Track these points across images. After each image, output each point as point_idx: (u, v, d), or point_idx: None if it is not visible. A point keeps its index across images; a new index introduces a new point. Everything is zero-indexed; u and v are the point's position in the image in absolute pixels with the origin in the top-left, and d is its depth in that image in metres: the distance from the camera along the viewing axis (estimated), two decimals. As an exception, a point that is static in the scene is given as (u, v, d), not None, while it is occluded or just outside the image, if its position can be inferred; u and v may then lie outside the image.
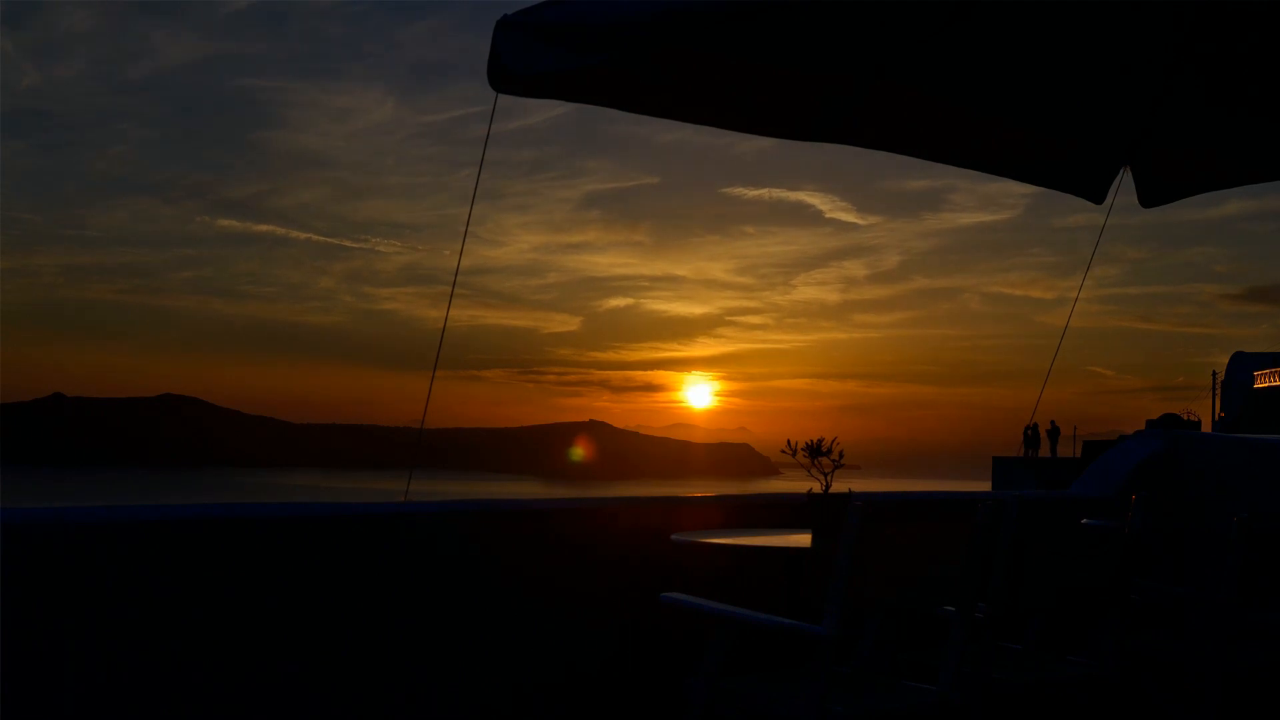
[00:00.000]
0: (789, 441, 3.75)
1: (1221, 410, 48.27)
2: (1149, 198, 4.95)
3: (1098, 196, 4.95)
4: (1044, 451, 43.72)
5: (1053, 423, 45.08)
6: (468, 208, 3.65)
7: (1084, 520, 5.06)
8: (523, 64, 3.19)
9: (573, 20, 3.13)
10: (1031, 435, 42.44)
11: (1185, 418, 41.71)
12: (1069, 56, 4.30)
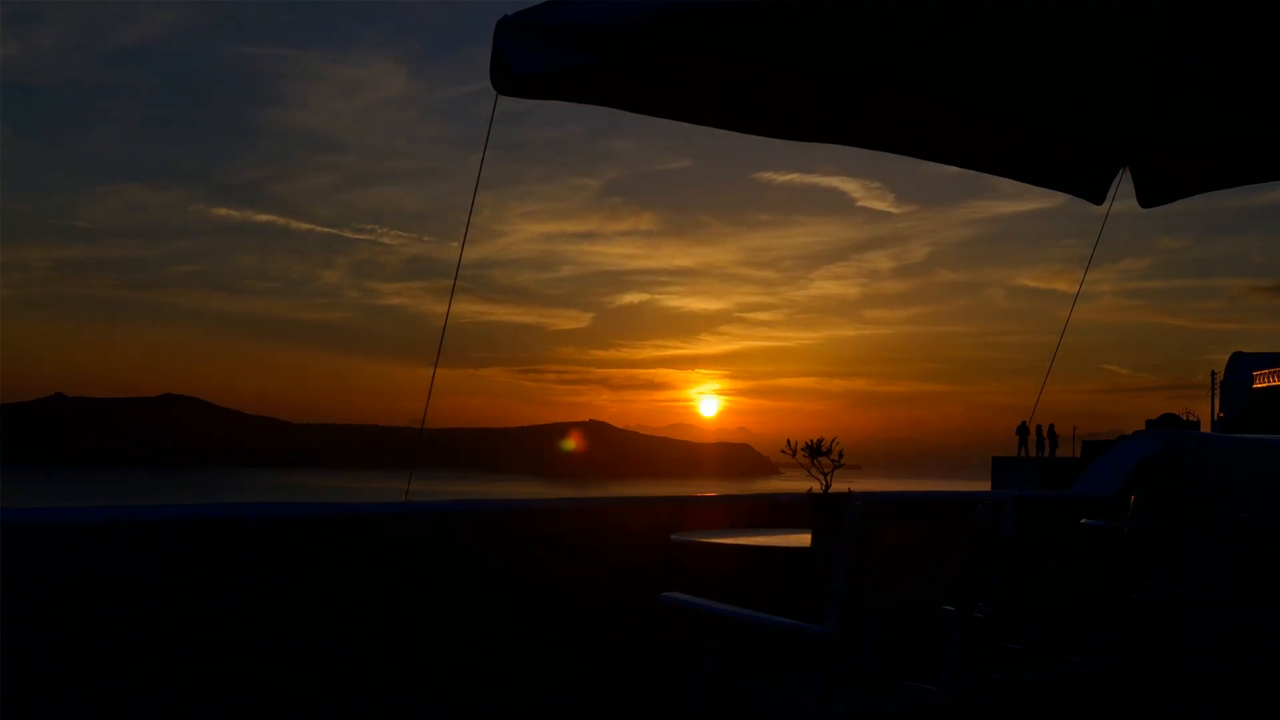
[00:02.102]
0: (789, 441, 3.75)
1: (1221, 410, 48.28)
2: (1148, 198, 4.95)
3: (1097, 197, 4.95)
4: (1033, 451, 43.62)
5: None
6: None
7: (1084, 520, 5.06)
8: (523, 65, 3.19)
9: (573, 20, 3.13)
10: (1023, 434, 42.27)
11: (1185, 418, 41.73)
12: (1069, 57, 4.30)
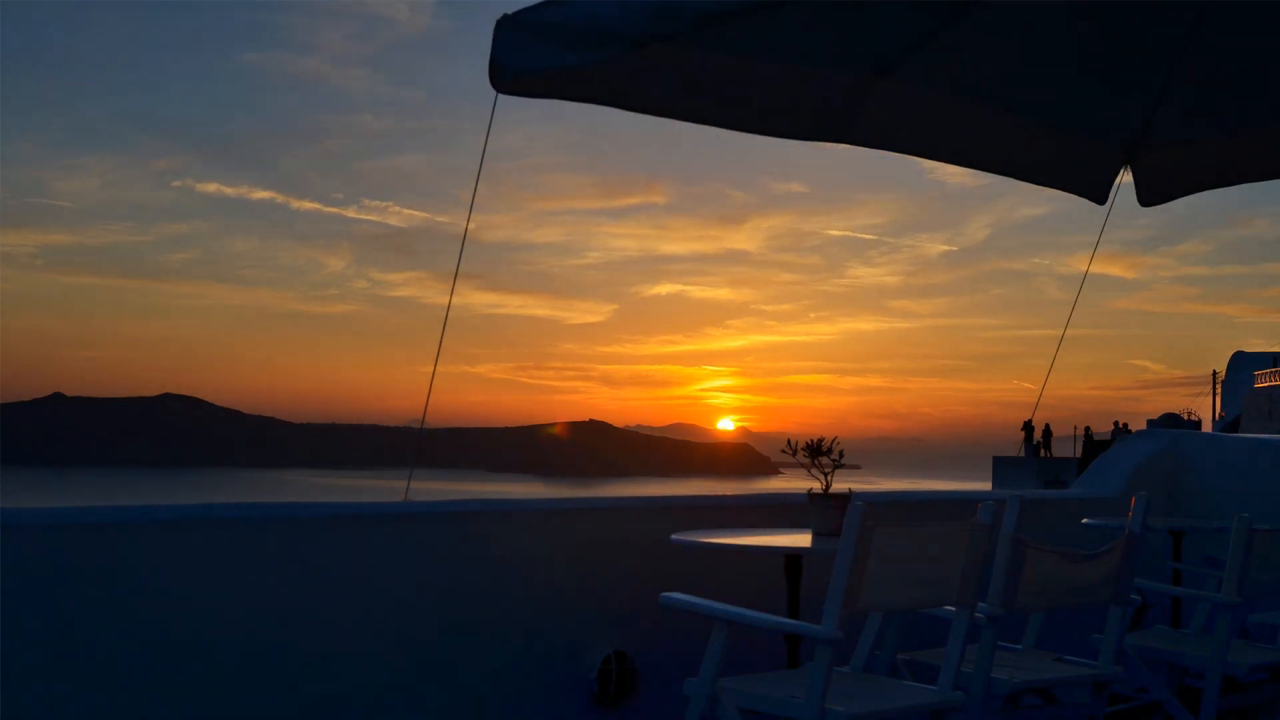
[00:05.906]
0: (789, 441, 3.75)
1: (1222, 410, 48.33)
2: (1148, 197, 4.96)
3: (1100, 197, 4.95)
4: (1041, 451, 43.57)
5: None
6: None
7: (1084, 520, 5.07)
8: (523, 63, 3.20)
9: (573, 19, 3.14)
10: (1029, 431, 42.21)
11: (1186, 417, 41.75)
12: (1069, 56, 4.30)
